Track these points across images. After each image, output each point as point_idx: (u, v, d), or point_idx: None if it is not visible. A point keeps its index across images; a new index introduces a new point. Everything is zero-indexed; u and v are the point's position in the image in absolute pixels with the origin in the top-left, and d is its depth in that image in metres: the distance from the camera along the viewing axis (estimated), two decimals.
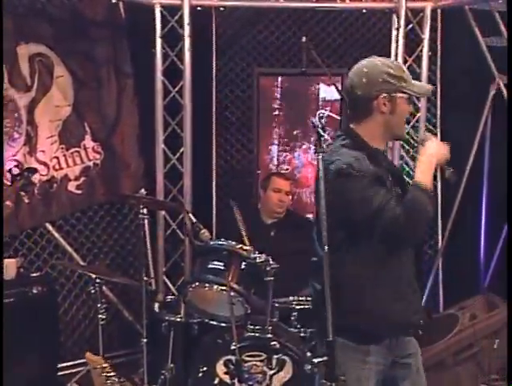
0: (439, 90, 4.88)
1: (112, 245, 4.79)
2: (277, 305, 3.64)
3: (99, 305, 3.63)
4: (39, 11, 4.12)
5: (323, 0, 4.65)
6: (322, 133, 2.30)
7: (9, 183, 4.06)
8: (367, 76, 2.54)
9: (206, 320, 3.52)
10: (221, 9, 4.60)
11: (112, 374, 2.96)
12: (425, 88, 2.67)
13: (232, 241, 3.44)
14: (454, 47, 4.93)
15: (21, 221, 4.18)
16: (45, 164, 4.27)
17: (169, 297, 4.29)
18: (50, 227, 4.43)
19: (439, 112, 4.98)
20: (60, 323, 4.38)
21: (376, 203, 2.39)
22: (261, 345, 3.38)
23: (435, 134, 4.95)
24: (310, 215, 4.66)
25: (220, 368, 3.36)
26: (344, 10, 4.81)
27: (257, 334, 3.42)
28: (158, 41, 4.46)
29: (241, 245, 3.40)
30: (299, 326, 3.63)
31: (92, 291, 3.64)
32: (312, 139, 4.87)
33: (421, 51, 4.72)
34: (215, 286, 3.30)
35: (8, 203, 4.06)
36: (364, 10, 4.73)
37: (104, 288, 4.33)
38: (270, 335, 3.37)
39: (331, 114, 5.02)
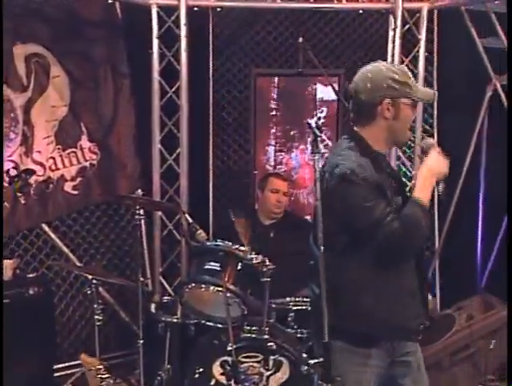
0: (435, 91, 4.89)
1: (108, 246, 4.78)
2: (274, 305, 3.64)
3: (95, 306, 3.62)
4: (36, 11, 4.10)
5: (320, 0, 4.65)
6: (318, 134, 2.30)
7: (6, 185, 4.05)
8: (371, 81, 2.55)
9: (202, 321, 3.52)
10: (218, 9, 4.59)
11: (107, 375, 2.96)
12: (429, 94, 2.66)
13: (228, 242, 3.44)
14: (450, 47, 4.93)
15: (17, 222, 4.17)
16: (41, 164, 4.26)
17: (165, 297, 4.29)
18: (46, 228, 4.42)
19: (435, 113, 5.00)
20: (57, 324, 4.38)
21: (375, 215, 2.43)
22: (257, 346, 3.37)
23: (432, 135, 4.96)
24: (308, 217, 4.65)
25: (216, 369, 3.36)
26: (341, 10, 4.81)
27: (253, 335, 3.42)
28: (155, 41, 4.45)
29: (237, 246, 3.39)
30: (295, 326, 3.63)
31: (89, 292, 3.63)
32: (309, 140, 4.87)
33: (418, 51, 4.73)
34: (211, 287, 3.30)
35: (5, 203, 4.04)
36: (361, 11, 4.73)
37: (100, 289, 4.29)
38: (266, 336, 3.37)
39: (326, 116, 5.03)
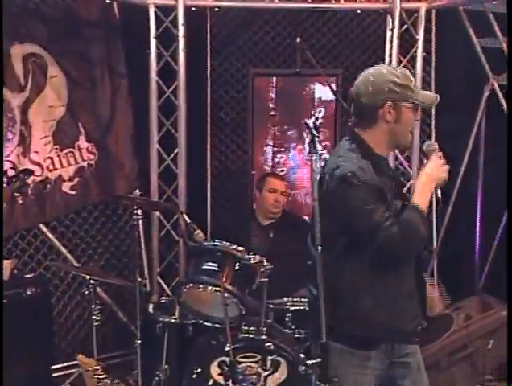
0: (433, 91, 4.89)
1: (106, 246, 4.78)
2: (271, 306, 3.64)
3: (93, 307, 3.62)
4: (33, 11, 4.10)
5: (318, 0, 4.65)
6: (316, 134, 2.30)
7: (4, 185, 4.04)
8: (373, 85, 2.56)
9: (200, 321, 3.52)
10: (216, 9, 4.59)
11: (104, 376, 2.95)
12: (431, 98, 2.65)
13: (226, 242, 3.44)
14: (448, 47, 4.93)
15: (15, 222, 4.16)
16: (39, 164, 4.25)
17: (163, 298, 4.28)
18: (44, 228, 4.41)
19: (433, 113, 5.00)
20: (54, 324, 4.37)
21: (375, 218, 2.43)
22: (255, 346, 3.37)
23: (430, 136, 4.96)
24: (306, 217, 4.64)
25: (214, 370, 3.36)
26: (338, 10, 4.81)
27: (251, 336, 3.41)
28: (153, 41, 4.44)
29: (235, 246, 3.39)
30: (293, 327, 3.63)
31: (87, 292, 3.63)
32: (307, 140, 4.87)
33: (416, 51, 4.72)
34: (209, 287, 3.29)
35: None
36: (358, 11, 4.73)
37: (98, 289, 4.32)
38: (264, 336, 3.37)
39: (324, 116, 5.03)
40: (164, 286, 4.75)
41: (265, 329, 3.39)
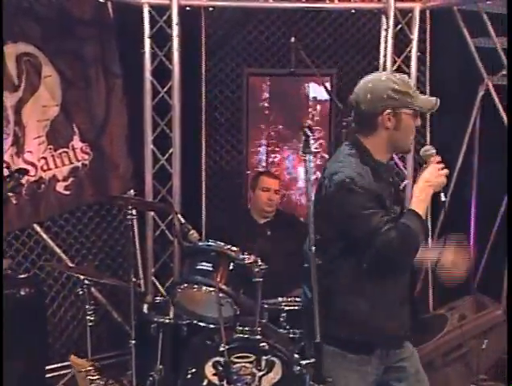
0: (428, 91, 4.90)
1: (101, 246, 4.77)
2: (266, 306, 3.64)
3: (87, 307, 3.62)
4: (27, 10, 4.08)
5: (312, 0, 4.65)
6: (309, 134, 2.30)
7: None
8: (372, 92, 2.55)
9: (195, 321, 3.51)
10: (210, 9, 4.59)
11: (97, 377, 2.95)
12: (431, 103, 2.63)
13: (221, 242, 3.43)
14: (443, 47, 4.94)
15: (9, 222, 4.15)
16: (33, 164, 4.24)
17: (158, 298, 4.27)
18: (38, 229, 4.40)
19: (428, 113, 4.99)
20: (48, 325, 4.35)
21: (373, 223, 2.43)
22: (250, 346, 3.37)
23: (424, 136, 4.96)
24: (301, 219, 4.63)
25: (208, 370, 3.35)
26: (333, 10, 4.81)
27: (246, 336, 3.41)
28: (147, 41, 4.44)
29: (229, 246, 3.38)
30: (288, 327, 3.63)
31: (81, 292, 3.62)
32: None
33: (410, 51, 4.74)
34: (203, 287, 3.29)
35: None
36: (353, 11, 4.73)
37: (92, 289, 4.31)
38: (259, 337, 3.37)
39: (319, 115, 5.03)
40: (159, 286, 4.75)
41: (259, 329, 3.39)
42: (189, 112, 4.66)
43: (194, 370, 3.37)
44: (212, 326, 3.44)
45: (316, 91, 4.98)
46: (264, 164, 5.06)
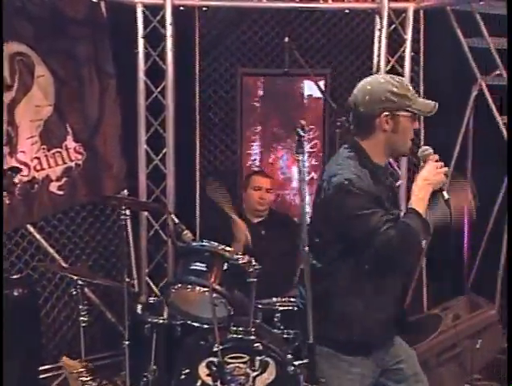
0: (422, 91, 4.91)
1: (94, 246, 4.76)
2: (260, 306, 3.64)
3: (81, 307, 3.61)
4: (19, 9, 4.06)
5: (306, 0, 4.65)
6: (301, 134, 2.30)
7: None
8: (370, 94, 2.55)
9: (189, 322, 3.51)
10: (204, 9, 4.58)
11: (89, 378, 2.94)
12: (429, 106, 2.62)
13: (214, 242, 3.43)
14: (436, 47, 4.95)
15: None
16: (26, 164, 4.21)
17: (152, 298, 4.26)
18: (31, 229, 4.38)
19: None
20: (42, 325, 4.34)
21: (372, 222, 2.42)
22: (244, 347, 3.37)
23: (418, 136, 4.97)
24: (295, 219, 4.63)
25: (202, 370, 3.35)
26: (327, 10, 4.82)
27: (240, 336, 3.41)
28: (141, 41, 4.44)
29: (223, 246, 3.38)
30: (282, 327, 3.63)
31: (74, 293, 3.61)
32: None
33: (404, 51, 4.74)
34: (197, 288, 3.29)
35: None
36: (347, 11, 4.74)
37: (86, 289, 4.29)
38: (253, 337, 3.36)
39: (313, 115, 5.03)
40: (153, 287, 4.74)
41: (253, 329, 3.38)
42: (183, 112, 4.65)
43: (188, 370, 3.37)
44: (206, 326, 3.44)
45: (311, 89, 4.97)
46: (258, 164, 5.06)
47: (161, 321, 3.70)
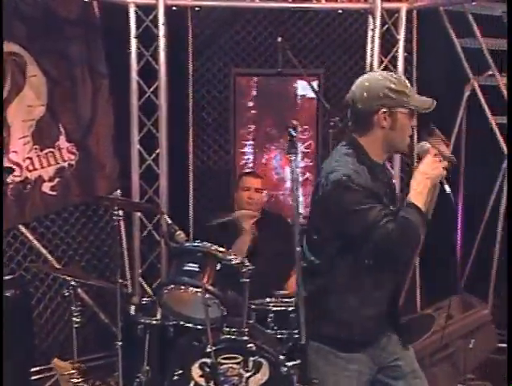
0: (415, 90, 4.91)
1: (87, 247, 4.75)
2: (253, 306, 3.63)
3: (73, 308, 3.59)
4: (12, 9, 4.05)
5: (299, 0, 4.65)
6: (293, 134, 2.30)
7: None
8: (368, 90, 2.54)
9: (182, 322, 3.50)
10: (197, 9, 4.58)
11: (80, 380, 2.93)
12: (427, 103, 2.61)
13: (207, 243, 3.42)
14: (429, 47, 4.96)
15: None
16: (18, 165, 4.21)
17: (145, 299, 4.25)
18: (23, 229, 4.37)
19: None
20: (35, 326, 4.33)
21: (371, 217, 2.41)
22: (237, 347, 3.35)
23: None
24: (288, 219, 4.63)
25: (195, 371, 3.33)
26: (320, 10, 4.82)
27: (233, 337, 3.39)
28: (133, 41, 4.42)
29: (216, 247, 3.37)
30: (275, 327, 3.62)
31: (67, 294, 3.60)
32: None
33: (397, 51, 4.75)
34: (190, 288, 3.27)
35: None
36: (340, 11, 4.74)
37: (79, 290, 4.28)
38: (246, 337, 3.35)
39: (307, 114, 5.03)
40: (146, 287, 4.73)
41: (247, 330, 3.37)
42: (176, 112, 4.65)
43: (181, 371, 3.35)
44: (199, 327, 3.42)
45: (304, 89, 4.97)
46: (251, 164, 5.06)
47: (154, 322, 3.68)
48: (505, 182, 4.85)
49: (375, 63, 4.64)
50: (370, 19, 4.65)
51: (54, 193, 4.43)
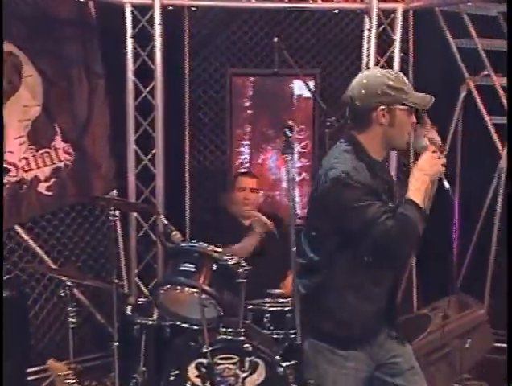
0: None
1: (83, 247, 4.74)
2: (250, 307, 3.63)
3: (69, 309, 3.58)
4: (8, 9, 4.04)
5: (295, 0, 4.65)
6: (289, 134, 2.29)
7: None
8: (366, 88, 2.54)
9: (178, 323, 3.49)
10: (193, 9, 4.58)
11: (75, 381, 2.92)
12: (426, 100, 2.61)
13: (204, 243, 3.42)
14: (425, 48, 4.97)
15: None
16: (14, 165, 4.20)
17: (141, 299, 4.25)
18: (19, 230, 4.36)
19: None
20: (31, 327, 4.32)
21: (370, 214, 2.42)
22: (233, 347, 3.35)
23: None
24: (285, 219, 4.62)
25: (192, 371, 3.33)
26: (316, 10, 4.82)
27: (229, 337, 3.39)
28: (129, 41, 4.42)
29: (212, 247, 3.37)
30: (271, 327, 3.62)
31: (63, 294, 3.59)
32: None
33: (393, 51, 4.75)
34: (186, 288, 3.27)
35: None
36: (336, 11, 4.74)
37: (75, 291, 4.27)
38: (242, 338, 3.35)
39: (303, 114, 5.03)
40: (142, 287, 4.72)
41: (243, 330, 3.37)
42: (172, 113, 4.64)
43: (177, 372, 3.35)
44: (195, 327, 3.42)
45: (301, 89, 4.97)
46: (248, 164, 5.05)
47: (150, 322, 3.68)
48: (501, 182, 4.86)
49: (371, 64, 4.63)
50: (366, 19, 4.64)
51: (50, 193, 4.42)
